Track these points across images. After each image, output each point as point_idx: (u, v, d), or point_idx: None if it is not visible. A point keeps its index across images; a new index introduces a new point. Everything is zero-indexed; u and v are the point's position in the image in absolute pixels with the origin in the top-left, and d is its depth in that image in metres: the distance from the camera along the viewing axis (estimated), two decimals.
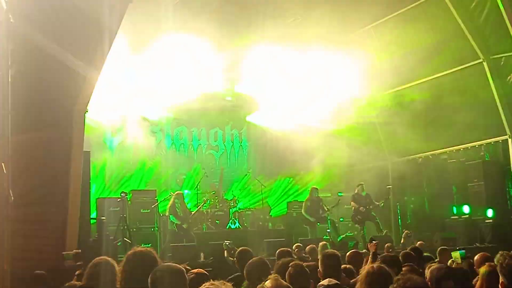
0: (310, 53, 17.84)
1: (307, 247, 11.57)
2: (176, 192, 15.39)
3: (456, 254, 8.29)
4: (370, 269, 4.53)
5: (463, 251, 8.52)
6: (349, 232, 17.50)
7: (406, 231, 15.05)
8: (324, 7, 15.66)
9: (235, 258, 7.89)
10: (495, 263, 5.00)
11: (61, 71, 9.73)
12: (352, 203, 16.47)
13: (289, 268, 5.39)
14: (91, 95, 10.48)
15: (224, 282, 3.20)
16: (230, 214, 16.57)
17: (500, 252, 6.29)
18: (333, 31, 17.02)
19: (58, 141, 10.07)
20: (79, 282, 6.06)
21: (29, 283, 7.19)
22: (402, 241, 14.68)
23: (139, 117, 16.85)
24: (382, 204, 16.59)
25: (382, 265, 4.70)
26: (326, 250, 6.26)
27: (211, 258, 12.63)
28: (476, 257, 6.89)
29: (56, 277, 7.45)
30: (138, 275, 4.27)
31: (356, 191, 16.58)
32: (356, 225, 16.57)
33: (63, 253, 9.54)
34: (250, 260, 5.99)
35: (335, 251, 6.75)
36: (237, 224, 16.40)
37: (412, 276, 3.68)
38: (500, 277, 4.67)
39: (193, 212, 15.24)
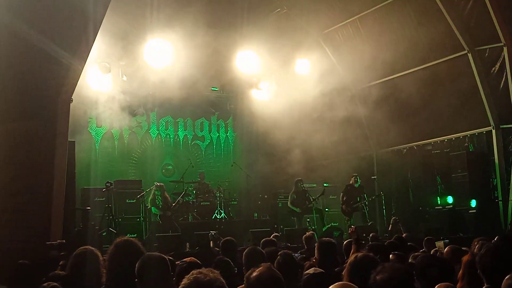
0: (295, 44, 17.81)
1: (304, 235, 11.41)
2: (156, 184, 15.36)
3: (440, 244, 8.41)
4: (354, 258, 4.56)
5: (447, 240, 8.65)
6: (334, 222, 17.56)
7: (394, 217, 15.17)
8: None
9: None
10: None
11: (46, 61, 9.65)
12: (341, 195, 16.54)
13: (278, 257, 5.42)
14: (76, 84, 10.42)
15: (212, 270, 3.21)
16: (216, 204, 16.58)
17: (474, 240, 6.31)
18: (319, 22, 17.05)
19: (43, 131, 10.00)
20: (63, 272, 6.05)
21: (13, 273, 7.14)
22: (389, 228, 14.80)
23: (125, 107, 16.69)
24: (374, 198, 16.79)
25: (368, 253, 4.74)
26: (323, 238, 6.34)
27: (197, 248, 12.65)
28: (446, 250, 6.82)
29: (40, 267, 7.39)
30: (123, 265, 4.28)
31: (350, 182, 16.64)
32: (345, 216, 16.69)
33: (48, 243, 9.49)
34: (247, 249, 6.16)
35: (331, 239, 6.86)
36: (223, 214, 16.41)
37: (395, 264, 3.71)
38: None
39: (174, 204, 15.23)
